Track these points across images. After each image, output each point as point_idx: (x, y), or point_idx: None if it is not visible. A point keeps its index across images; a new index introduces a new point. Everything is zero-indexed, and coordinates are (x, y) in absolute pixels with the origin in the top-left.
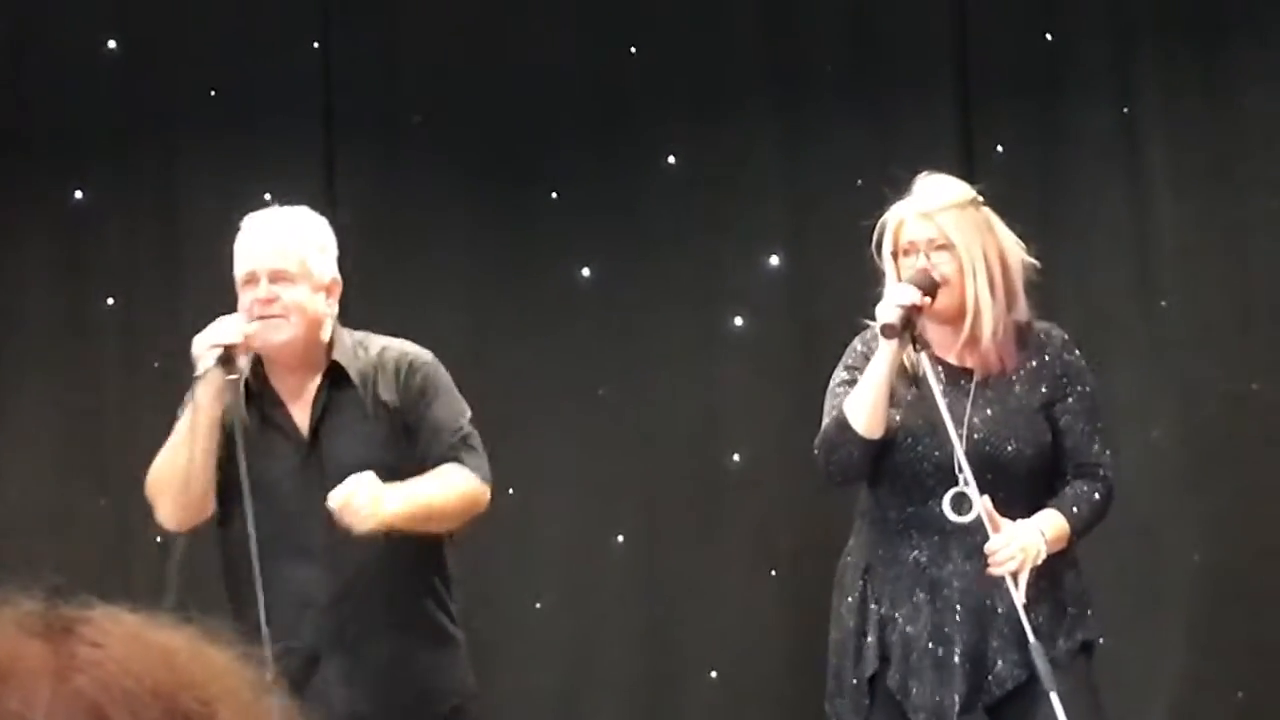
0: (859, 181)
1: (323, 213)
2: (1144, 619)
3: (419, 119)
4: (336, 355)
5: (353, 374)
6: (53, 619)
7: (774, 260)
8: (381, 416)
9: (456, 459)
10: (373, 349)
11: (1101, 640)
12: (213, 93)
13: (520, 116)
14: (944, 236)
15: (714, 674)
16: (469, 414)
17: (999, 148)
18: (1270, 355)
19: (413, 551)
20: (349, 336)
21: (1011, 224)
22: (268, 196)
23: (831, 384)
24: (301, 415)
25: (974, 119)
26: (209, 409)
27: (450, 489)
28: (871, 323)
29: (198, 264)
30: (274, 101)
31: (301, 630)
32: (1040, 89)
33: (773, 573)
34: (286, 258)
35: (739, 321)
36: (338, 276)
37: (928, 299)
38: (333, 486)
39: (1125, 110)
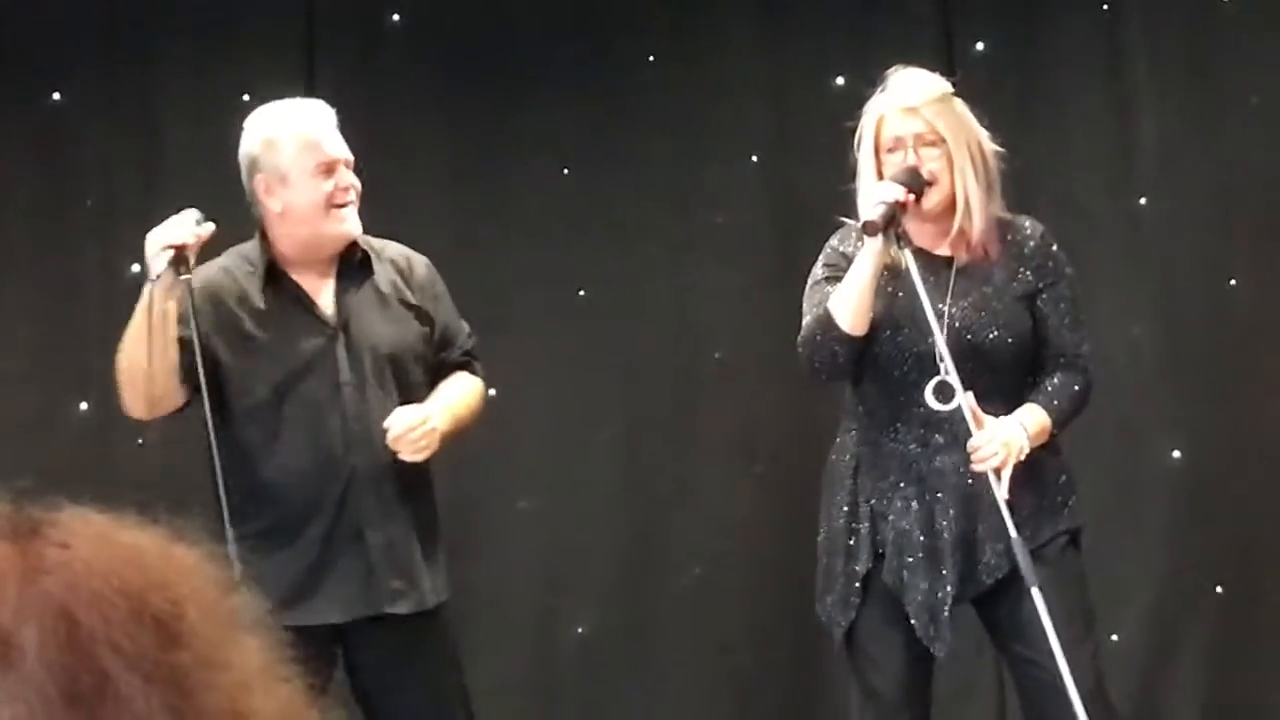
0: (839, 80)
1: None
2: (1124, 515)
3: (398, 18)
4: (362, 244)
5: (374, 263)
6: (20, 521)
7: (754, 158)
8: (401, 306)
9: (469, 366)
10: (374, 242)
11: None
12: None
13: (499, 16)
14: (932, 131)
15: (697, 571)
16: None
17: (979, 45)
18: (1249, 252)
19: None
20: None
21: (992, 121)
22: (246, 98)
23: (809, 283)
24: (326, 299)
25: (954, 16)
26: (161, 306)
27: (474, 404)
28: (848, 220)
29: (176, 166)
30: (253, 1)
31: (322, 503)
32: None
33: (754, 470)
34: (348, 146)
35: (719, 220)
36: None
37: (911, 195)
38: (363, 368)
39: (1105, 7)
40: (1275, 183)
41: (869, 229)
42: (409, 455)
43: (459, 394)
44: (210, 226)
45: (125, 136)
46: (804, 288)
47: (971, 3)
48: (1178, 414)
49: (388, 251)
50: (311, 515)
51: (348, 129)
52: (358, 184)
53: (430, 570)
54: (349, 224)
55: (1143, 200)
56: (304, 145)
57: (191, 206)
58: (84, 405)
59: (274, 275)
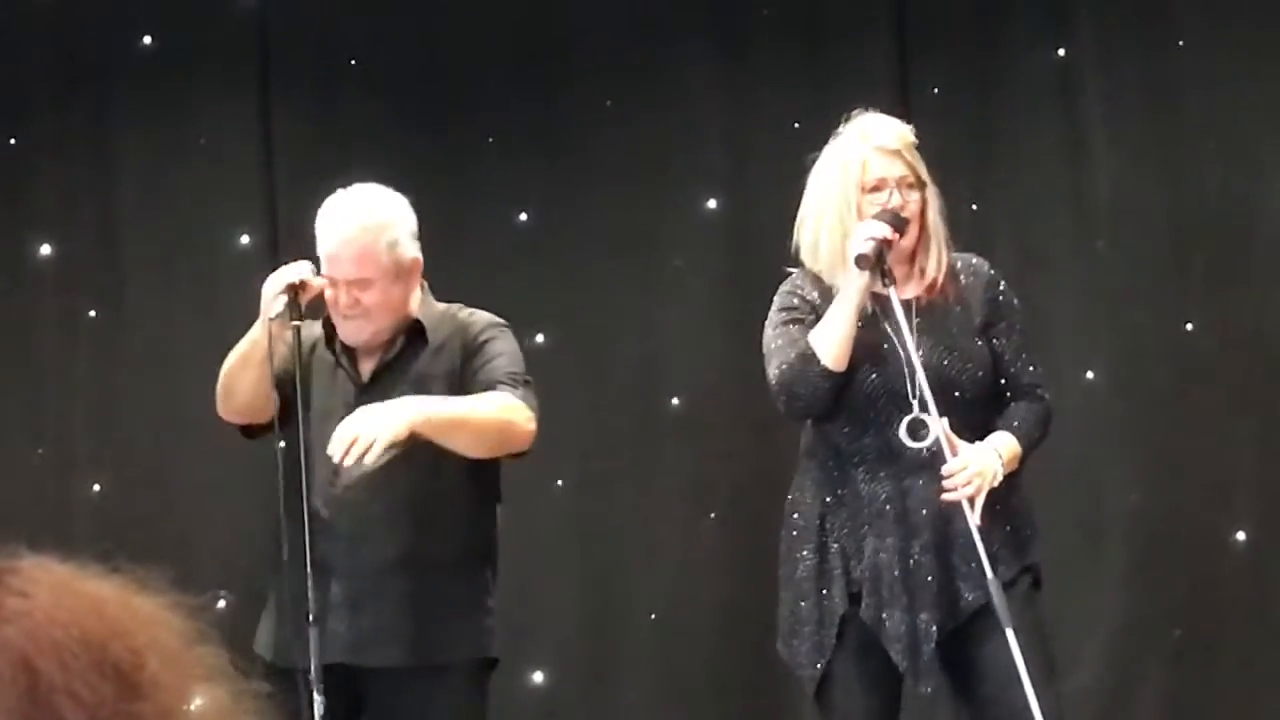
0: (796, 125)
1: (257, 157)
2: (1082, 559)
3: (354, 62)
4: (420, 315)
5: (429, 332)
6: None
7: (712, 204)
8: (441, 368)
9: (495, 388)
10: (456, 314)
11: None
12: (147, 39)
13: (456, 59)
14: (914, 174)
15: (653, 616)
16: (525, 371)
17: (935, 90)
18: (1205, 297)
19: (460, 480)
20: (439, 306)
21: (947, 164)
22: (202, 142)
23: (770, 328)
24: (367, 367)
25: (910, 61)
26: (264, 342)
27: (486, 406)
28: (794, 270)
29: (133, 211)
30: (209, 46)
31: (302, 555)
32: (976, 31)
33: (711, 516)
34: (366, 265)
35: (678, 264)
36: (418, 256)
37: (896, 234)
38: None
39: (1061, 53)
40: (1231, 226)
41: (861, 263)
42: (350, 462)
43: (465, 397)
44: (324, 281)
45: (82, 180)
46: (761, 332)
47: (927, 46)
48: (1135, 457)
49: (465, 317)
50: (294, 563)
51: (302, 173)
52: (361, 298)
53: (445, 628)
54: (343, 332)
55: (1099, 244)
56: (320, 250)
57: (147, 251)
58: (40, 450)
59: (331, 335)
